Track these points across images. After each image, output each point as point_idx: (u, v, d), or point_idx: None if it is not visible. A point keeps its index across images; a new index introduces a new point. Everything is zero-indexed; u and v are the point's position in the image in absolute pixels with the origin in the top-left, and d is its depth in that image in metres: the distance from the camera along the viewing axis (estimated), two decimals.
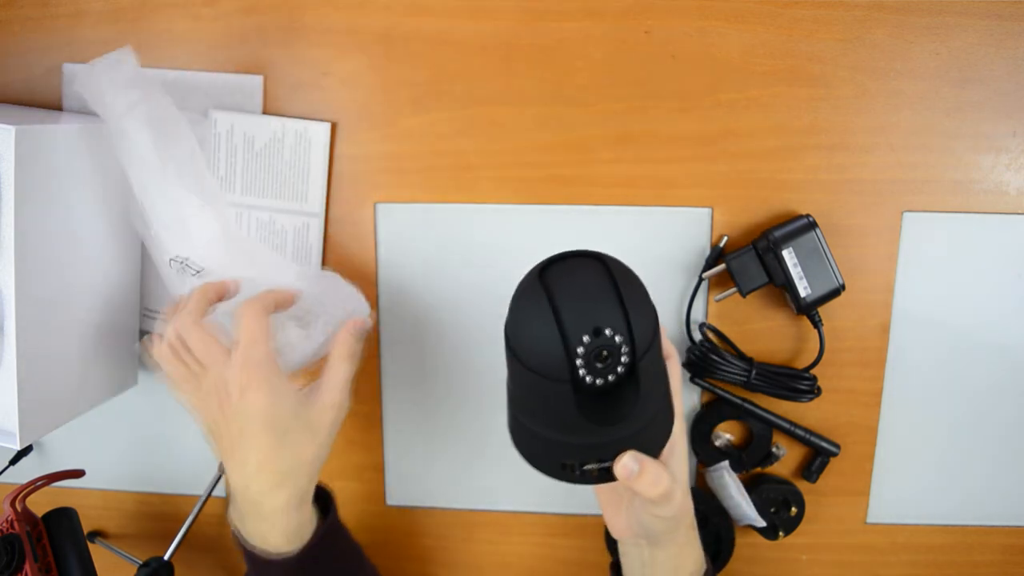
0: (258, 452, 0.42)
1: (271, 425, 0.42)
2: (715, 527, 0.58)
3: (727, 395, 0.57)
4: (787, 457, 0.59)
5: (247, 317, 0.44)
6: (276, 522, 0.43)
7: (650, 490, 0.40)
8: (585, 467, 0.40)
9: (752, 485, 0.58)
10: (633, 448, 0.39)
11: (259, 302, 0.45)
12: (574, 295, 0.36)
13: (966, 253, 0.54)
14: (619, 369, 0.37)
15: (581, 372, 0.36)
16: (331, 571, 0.46)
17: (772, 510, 0.57)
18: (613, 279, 0.37)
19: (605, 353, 0.36)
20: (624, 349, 0.36)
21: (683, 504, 0.43)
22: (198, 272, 0.52)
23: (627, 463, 0.39)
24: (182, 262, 0.52)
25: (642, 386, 0.37)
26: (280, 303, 0.48)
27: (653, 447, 0.41)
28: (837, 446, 0.57)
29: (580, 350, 0.36)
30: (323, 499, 0.49)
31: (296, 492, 0.43)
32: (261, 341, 0.43)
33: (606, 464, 0.39)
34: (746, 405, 0.56)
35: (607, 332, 0.35)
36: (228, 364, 0.43)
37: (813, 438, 0.57)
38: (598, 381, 0.37)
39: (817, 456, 0.57)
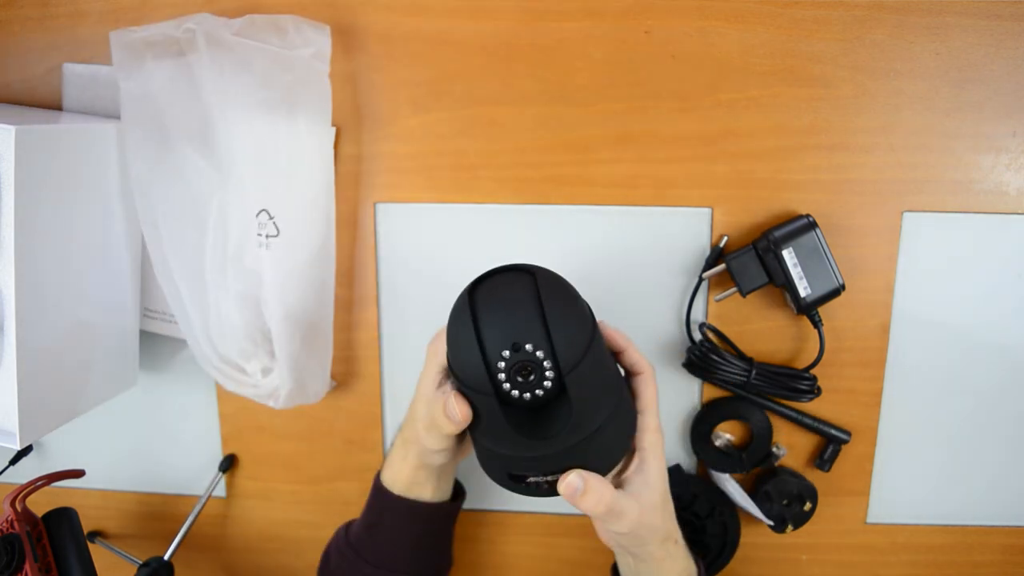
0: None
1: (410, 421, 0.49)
2: (722, 517, 0.58)
3: (730, 390, 0.57)
4: (790, 456, 0.59)
5: (427, 349, 0.47)
6: (391, 461, 0.51)
7: (593, 509, 0.40)
8: (529, 480, 0.40)
9: (769, 475, 0.58)
10: (575, 462, 0.39)
11: (441, 337, 0.45)
12: (496, 311, 0.37)
13: (966, 253, 0.54)
14: (546, 384, 0.37)
15: (506, 387, 0.37)
16: (400, 533, 0.51)
17: (784, 502, 0.57)
18: (538, 295, 0.37)
19: (527, 369, 0.36)
20: (547, 364, 0.36)
21: (644, 521, 0.43)
22: (274, 235, 0.51)
23: (572, 481, 0.39)
24: (271, 217, 0.51)
25: (575, 401, 0.37)
26: None
27: (601, 461, 0.41)
28: (848, 433, 0.57)
29: (501, 364, 0.36)
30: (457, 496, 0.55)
31: (407, 451, 0.49)
32: (431, 362, 0.46)
33: (549, 478, 0.40)
34: (750, 396, 0.56)
35: (527, 347, 0.36)
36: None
37: (822, 426, 0.57)
38: (526, 396, 0.37)
39: (828, 444, 0.57)
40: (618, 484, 0.44)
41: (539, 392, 0.37)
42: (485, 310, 0.37)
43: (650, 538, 0.44)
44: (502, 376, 0.36)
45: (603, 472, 0.41)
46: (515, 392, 0.37)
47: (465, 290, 0.39)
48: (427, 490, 0.50)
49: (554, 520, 0.63)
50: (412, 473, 0.49)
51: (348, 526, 0.54)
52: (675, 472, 0.59)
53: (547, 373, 0.36)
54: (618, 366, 0.45)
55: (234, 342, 0.54)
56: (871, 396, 0.57)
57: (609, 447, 0.41)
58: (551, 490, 0.40)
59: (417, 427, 0.46)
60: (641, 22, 0.52)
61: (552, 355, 0.36)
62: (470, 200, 0.56)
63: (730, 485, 0.57)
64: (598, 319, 0.42)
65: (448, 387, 0.42)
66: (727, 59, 0.52)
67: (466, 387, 0.39)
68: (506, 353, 0.36)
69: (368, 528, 0.52)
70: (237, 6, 0.54)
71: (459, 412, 0.39)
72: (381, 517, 0.51)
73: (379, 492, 0.51)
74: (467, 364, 0.37)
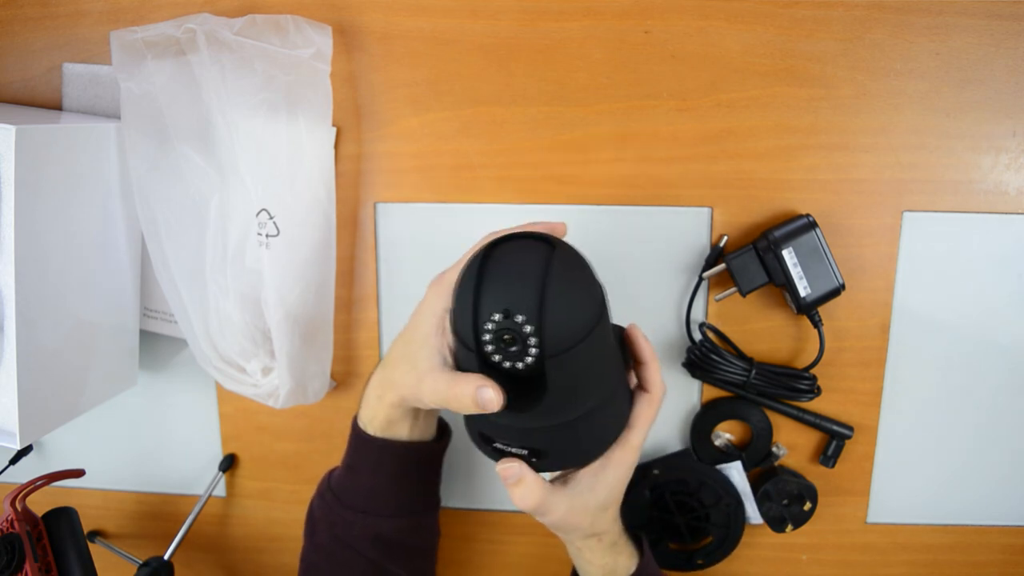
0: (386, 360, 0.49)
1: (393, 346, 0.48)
2: (726, 507, 0.58)
3: (730, 389, 0.57)
4: (791, 455, 0.59)
5: (427, 290, 0.46)
6: (367, 401, 0.49)
7: (518, 503, 0.41)
8: (495, 444, 0.41)
9: (768, 475, 0.58)
10: (545, 444, 0.40)
11: (444, 280, 0.45)
12: (500, 273, 0.36)
13: (966, 253, 0.54)
14: (528, 359, 0.36)
15: (488, 348, 0.36)
16: (380, 476, 0.49)
17: (784, 502, 0.57)
18: (547, 270, 0.36)
19: (512, 339, 0.36)
20: (532, 341, 0.35)
21: (569, 520, 0.44)
22: (274, 235, 0.51)
23: (511, 467, 0.40)
24: (271, 217, 0.51)
25: (551, 386, 0.36)
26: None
27: (568, 454, 0.41)
28: (850, 428, 0.57)
29: (489, 326, 0.36)
30: (442, 436, 0.53)
31: (385, 391, 0.47)
32: (430, 304, 0.45)
33: (514, 449, 0.40)
34: (750, 396, 0.56)
35: (518, 318, 0.35)
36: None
37: (824, 422, 0.57)
38: (506, 364, 0.37)
39: (832, 440, 0.57)
40: (567, 476, 0.44)
41: (519, 365, 0.36)
42: (492, 270, 0.36)
43: (572, 535, 0.46)
44: (487, 337, 0.36)
45: (568, 464, 0.42)
46: (496, 357, 0.37)
47: (486, 245, 0.38)
48: (403, 429, 0.48)
49: None
50: (388, 412, 0.47)
51: (331, 472, 0.53)
52: (684, 457, 0.59)
53: (531, 349, 0.36)
54: (630, 374, 0.45)
55: (234, 342, 0.54)
56: (871, 396, 0.57)
57: (582, 444, 0.41)
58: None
59: (410, 376, 0.43)
60: (641, 22, 0.52)
61: (540, 333, 0.35)
62: (470, 200, 0.56)
63: (735, 473, 0.57)
64: (634, 322, 0.42)
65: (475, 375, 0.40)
66: (727, 59, 0.52)
67: (456, 338, 0.39)
68: (497, 317, 0.35)
69: (349, 471, 0.51)
70: (237, 6, 0.54)
71: (495, 400, 0.37)
72: (360, 459, 0.50)
73: (357, 434, 0.50)
74: (460, 317, 0.37)
